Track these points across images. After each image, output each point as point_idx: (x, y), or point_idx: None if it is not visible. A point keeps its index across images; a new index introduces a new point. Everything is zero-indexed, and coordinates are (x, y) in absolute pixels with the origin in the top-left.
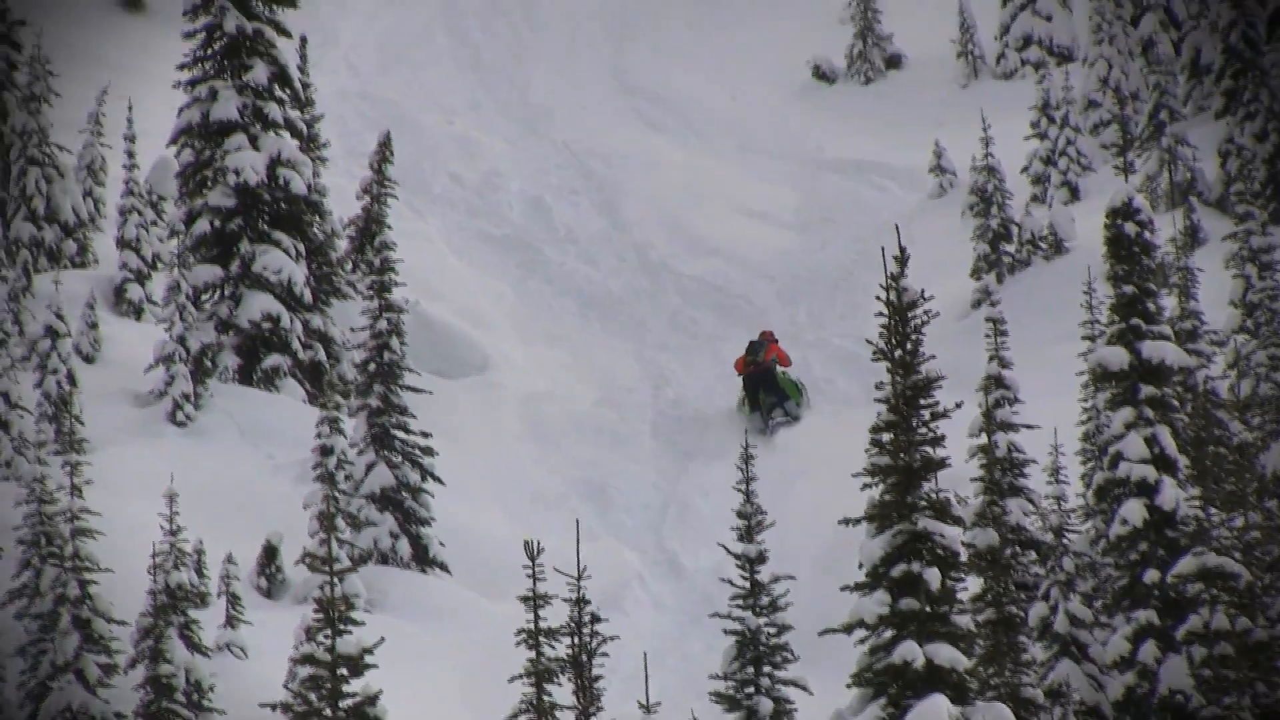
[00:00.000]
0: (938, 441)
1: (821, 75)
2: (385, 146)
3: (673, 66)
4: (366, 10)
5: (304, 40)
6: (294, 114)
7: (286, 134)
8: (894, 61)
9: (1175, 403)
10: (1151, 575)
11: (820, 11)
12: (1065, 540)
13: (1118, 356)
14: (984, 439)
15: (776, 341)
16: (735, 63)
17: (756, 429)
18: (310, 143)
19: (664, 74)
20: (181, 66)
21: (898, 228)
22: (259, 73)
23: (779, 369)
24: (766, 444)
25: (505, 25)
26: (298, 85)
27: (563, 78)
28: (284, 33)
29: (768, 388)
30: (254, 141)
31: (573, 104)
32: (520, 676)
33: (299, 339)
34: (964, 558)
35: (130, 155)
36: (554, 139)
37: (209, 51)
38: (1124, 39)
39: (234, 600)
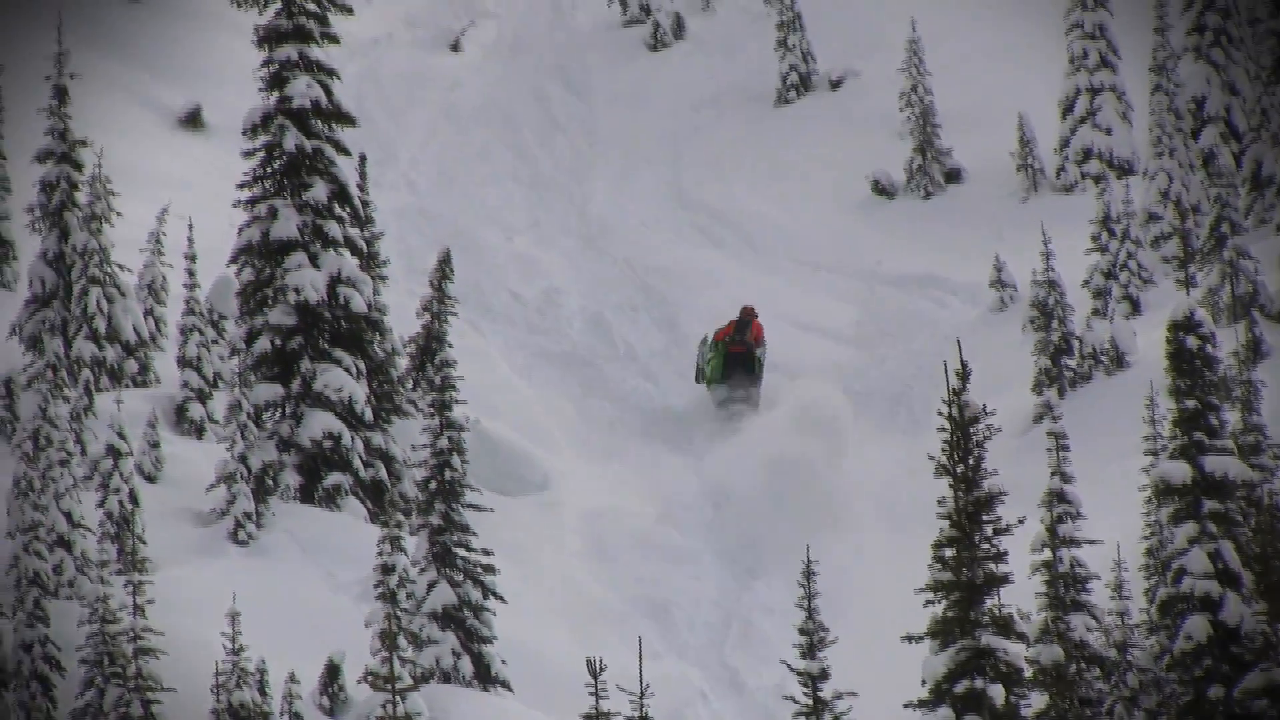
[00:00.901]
0: (1000, 557)
1: (881, 190)
2: (445, 264)
3: (731, 182)
4: (425, 128)
5: (363, 158)
6: (354, 232)
7: (347, 252)
8: (954, 175)
9: (1239, 517)
10: (1216, 691)
11: (879, 126)
12: (1129, 656)
13: (1180, 471)
14: (1046, 554)
15: (757, 318)
16: (794, 178)
17: (718, 404)
18: (370, 260)
19: (722, 189)
20: (241, 185)
21: (959, 342)
22: (319, 191)
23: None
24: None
25: (565, 142)
26: (357, 203)
27: (621, 194)
28: (343, 151)
29: (745, 368)
30: (314, 259)
31: (632, 220)
32: None
33: (360, 457)
34: (1028, 674)
35: (191, 274)
36: (613, 255)
37: (269, 170)
38: (1184, 152)
39: (297, 719)
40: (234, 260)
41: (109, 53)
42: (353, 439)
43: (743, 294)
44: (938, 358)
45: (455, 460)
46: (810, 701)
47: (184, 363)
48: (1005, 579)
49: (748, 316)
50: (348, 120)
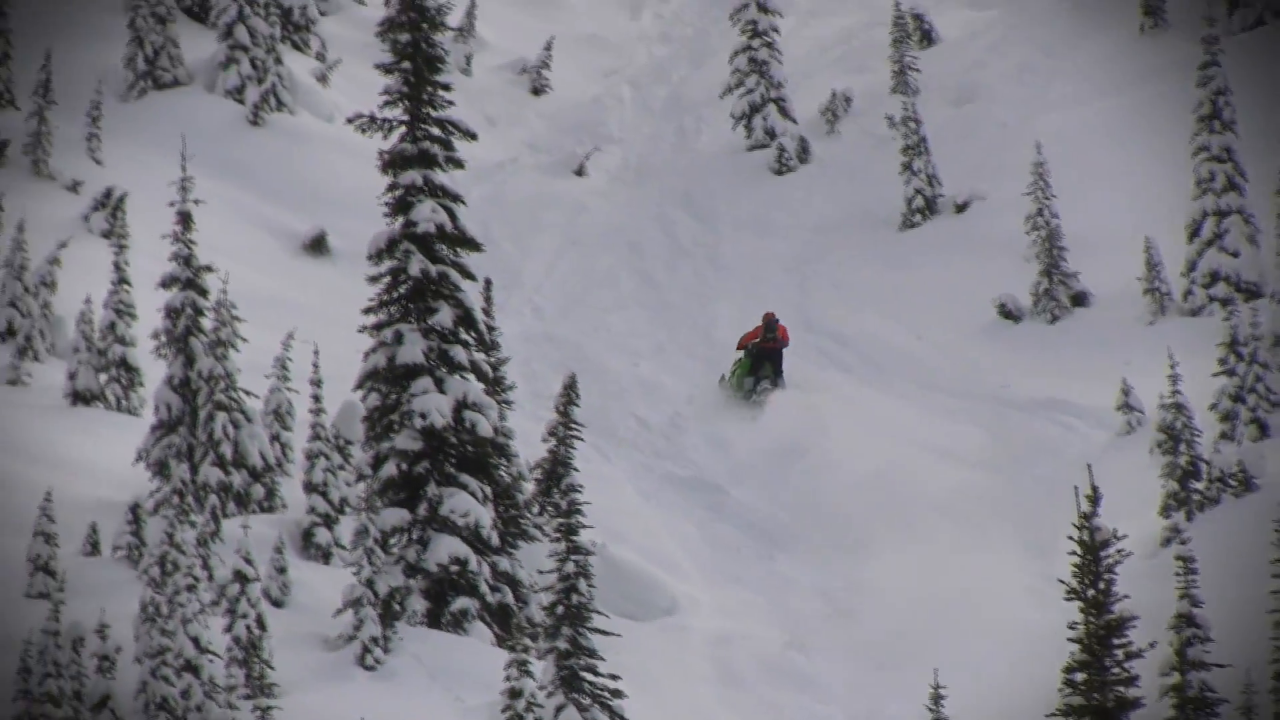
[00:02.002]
0: (1131, 681)
1: (1007, 313)
2: (571, 389)
3: (856, 306)
4: (550, 252)
5: (488, 283)
6: (479, 356)
7: (472, 377)
8: (1080, 299)
9: None
10: None
11: (1005, 249)
12: None
13: None
14: (1176, 678)
15: (780, 322)
16: (919, 301)
17: (743, 395)
18: (496, 385)
19: (847, 314)
20: (367, 310)
21: (1090, 467)
22: (444, 316)
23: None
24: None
25: (689, 267)
26: (483, 328)
27: (746, 318)
28: (468, 275)
29: (773, 364)
30: (440, 384)
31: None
32: None
33: (487, 582)
34: None
35: (316, 399)
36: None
37: (394, 295)
38: None
39: None
40: (360, 385)
41: (233, 178)
42: (479, 563)
43: (869, 419)
44: (1065, 482)
45: (582, 585)
46: None
47: (310, 488)
48: (1136, 703)
49: (772, 319)
50: (473, 245)
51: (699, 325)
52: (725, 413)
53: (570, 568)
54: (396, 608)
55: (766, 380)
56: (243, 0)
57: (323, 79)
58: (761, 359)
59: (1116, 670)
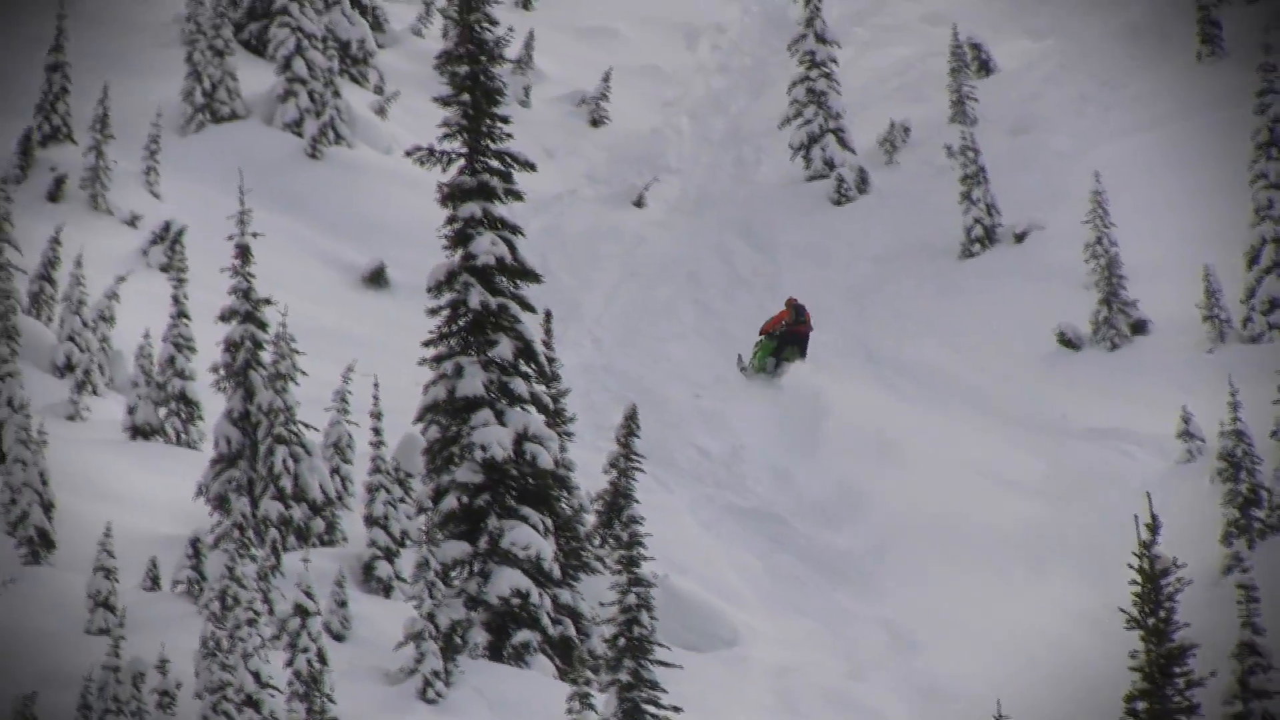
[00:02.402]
0: (1192, 710)
1: (1067, 342)
2: (631, 420)
3: (915, 335)
4: (610, 283)
5: (548, 314)
6: (540, 388)
7: (533, 408)
8: (1139, 327)
9: None
10: None
11: (1064, 278)
12: None
13: None
14: (1238, 707)
15: (808, 310)
16: (979, 331)
17: (767, 375)
18: (556, 417)
19: (907, 343)
20: (427, 342)
21: (1149, 495)
22: (504, 348)
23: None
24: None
25: (749, 297)
26: (543, 359)
27: (811, 345)
28: (528, 307)
29: (799, 348)
30: (500, 417)
31: (818, 374)
32: None
33: (548, 614)
34: None
35: (377, 432)
36: (799, 411)
37: (454, 327)
38: None
39: None
40: (420, 418)
41: (291, 211)
42: (541, 596)
43: (930, 449)
44: (1125, 510)
45: (644, 616)
46: None
47: (371, 521)
48: None
49: (797, 305)
50: (532, 277)
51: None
52: (787, 442)
53: (632, 599)
54: (458, 641)
55: (788, 362)
56: (301, 33)
57: (381, 111)
58: (787, 343)
59: (1178, 699)
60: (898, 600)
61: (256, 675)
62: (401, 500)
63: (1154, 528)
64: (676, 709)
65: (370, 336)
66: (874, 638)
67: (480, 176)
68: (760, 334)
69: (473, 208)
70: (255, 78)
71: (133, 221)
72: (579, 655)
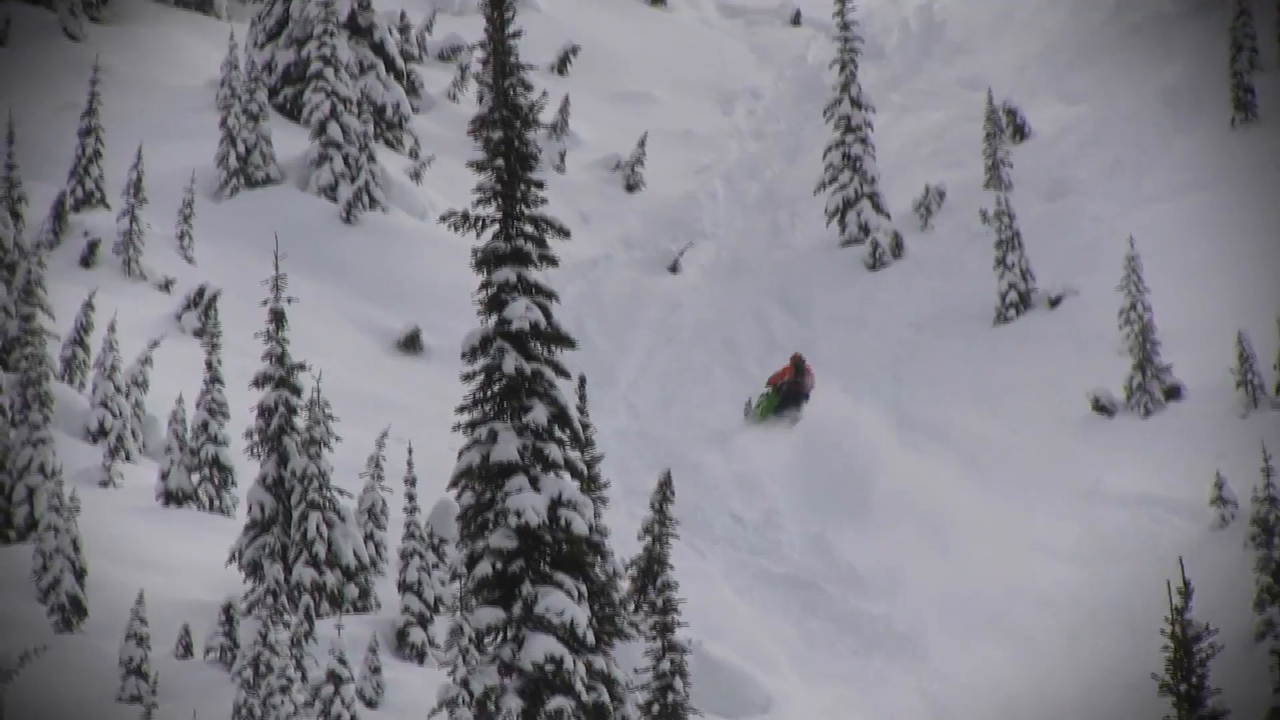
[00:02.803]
0: None
1: (1101, 407)
2: (666, 486)
3: (951, 401)
4: (645, 349)
5: (583, 380)
6: (574, 454)
7: (567, 475)
8: (1173, 392)
9: None
10: None
11: (1098, 343)
12: None
13: None
14: None
15: (808, 363)
16: (1013, 396)
17: (770, 424)
18: (591, 483)
19: (942, 408)
20: (461, 408)
21: (1181, 561)
22: (538, 414)
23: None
24: None
25: (784, 362)
26: (577, 425)
27: (841, 410)
28: (562, 373)
29: (797, 402)
30: (535, 483)
31: (853, 436)
32: None
33: (582, 680)
34: None
35: (411, 498)
36: (834, 475)
37: (488, 393)
38: None
39: None
40: (454, 484)
41: (325, 276)
42: (575, 662)
43: (965, 514)
44: (1158, 576)
45: (678, 683)
46: None
47: (404, 587)
48: None
49: (801, 361)
50: (567, 343)
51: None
52: (822, 508)
53: (666, 666)
54: (491, 708)
55: (788, 418)
56: (336, 98)
57: (416, 176)
58: (790, 398)
59: None
60: (932, 668)
61: None
62: (435, 566)
63: (1186, 593)
64: None
65: (404, 402)
66: (911, 705)
67: (514, 242)
68: (767, 384)
69: (507, 273)
70: (290, 142)
71: (166, 286)
72: None
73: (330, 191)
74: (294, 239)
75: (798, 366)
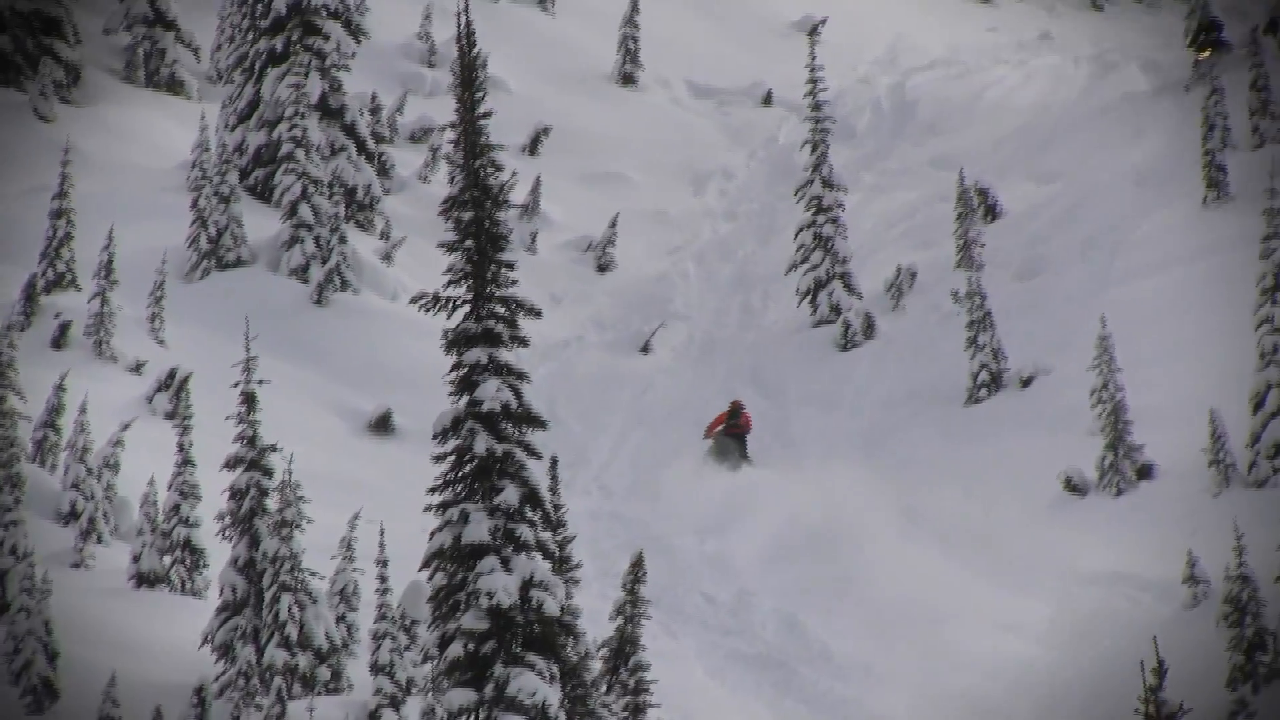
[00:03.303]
0: None
1: (1073, 487)
2: (638, 567)
3: (922, 480)
4: (617, 430)
5: (554, 461)
6: (546, 535)
7: (539, 556)
8: (1145, 472)
9: None
10: None
11: (1070, 423)
12: None
13: None
14: None
15: (745, 409)
16: (985, 476)
17: (726, 466)
18: (562, 564)
19: (914, 488)
20: (432, 489)
21: (1155, 640)
22: (510, 495)
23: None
24: None
25: (755, 443)
26: (549, 506)
27: (814, 490)
28: (534, 454)
29: (739, 447)
30: (506, 564)
31: (826, 516)
32: None
33: None
34: None
35: (383, 579)
36: (807, 555)
37: (459, 474)
38: None
39: None
40: (426, 565)
41: (297, 358)
42: None
43: (939, 596)
44: (1132, 655)
45: None
46: None
47: (377, 669)
48: None
49: (738, 407)
50: (538, 424)
51: (770, 498)
52: (796, 588)
53: None
54: None
55: (731, 461)
56: (307, 179)
57: (387, 257)
58: (727, 441)
59: None
60: None
61: None
62: (407, 648)
63: (1160, 673)
64: None
65: (376, 483)
66: None
67: (486, 323)
68: (705, 435)
69: (478, 354)
70: (261, 224)
71: (138, 368)
72: None
73: (301, 273)
74: (265, 321)
75: (734, 411)
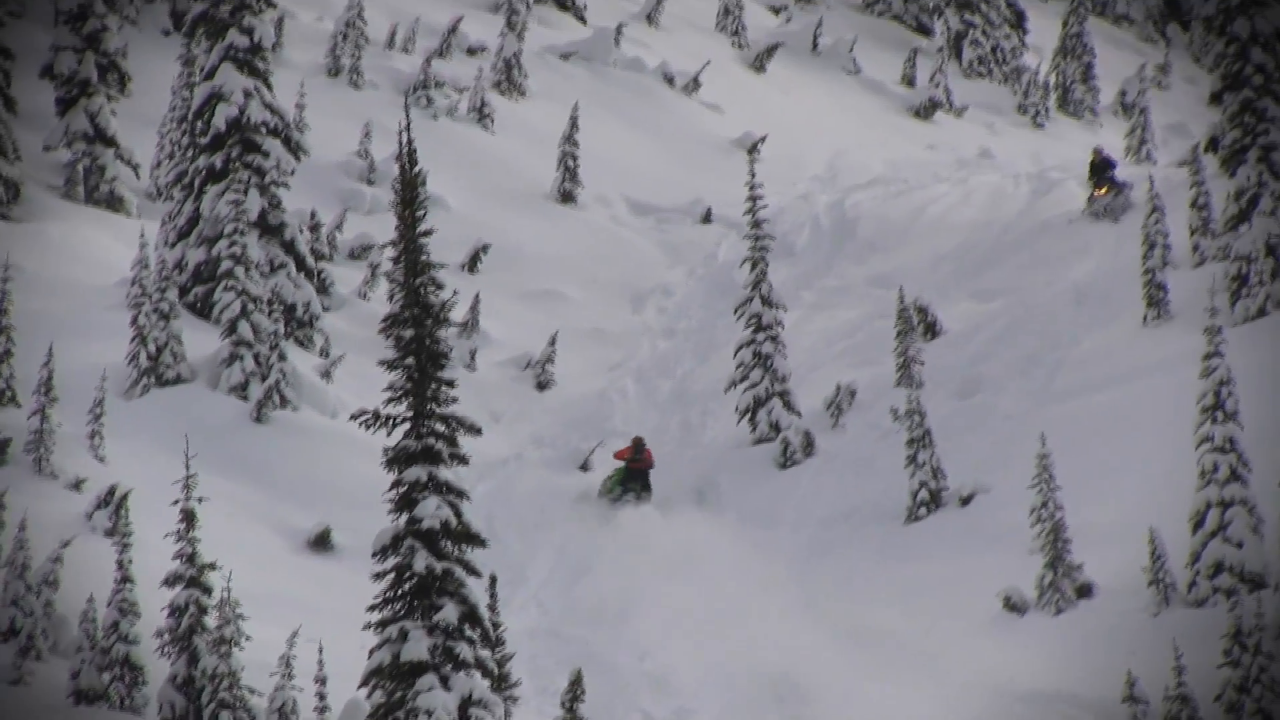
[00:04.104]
0: None
1: (1012, 606)
2: (576, 685)
3: (863, 599)
4: (556, 548)
5: (493, 579)
6: (485, 653)
7: (478, 674)
8: (1084, 591)
9: None
10: None
11: (1010, 542)
12: None
13: None
14: None
15: (648, 446)
16: (924, 595)
17: (611, 502)
18: (501, 682)
19: (854, 606)
20: (371, 607)
21: None
22: (449, 613)
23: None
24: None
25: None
26: (488, 624)
27: (753, 607)
28: (473, 572)
29: (641, 482)
30: (445, 682)
31: (764, 633)
32: None
33: None
34: None
35: (321, 697)
36: (749, 674)
37: (398, 592)
38: None
39: None
40: (365, 683)
41: (236, 475)
42: None
43: (876, 713)
44: None
45: None
46: None
47: None
48: None
49: (640, 443)
50: (477, 541)
51: (706, 627)
52: (735, 705)
53: None
54: None
55: (633, 493)
56: (246, 296)
57: (327, 375)
58: (631, 476)
59: None
60: None
61: None
62: None
63: None
64: None
65: (315, 600)
66: None
67: (426, 440)
68: (615, 457)
69: (418, 472)
70: (201, 341)
71: (77, 485)
72: None
73: (241, 390)
74: (205, 438)
75: (637, 446)
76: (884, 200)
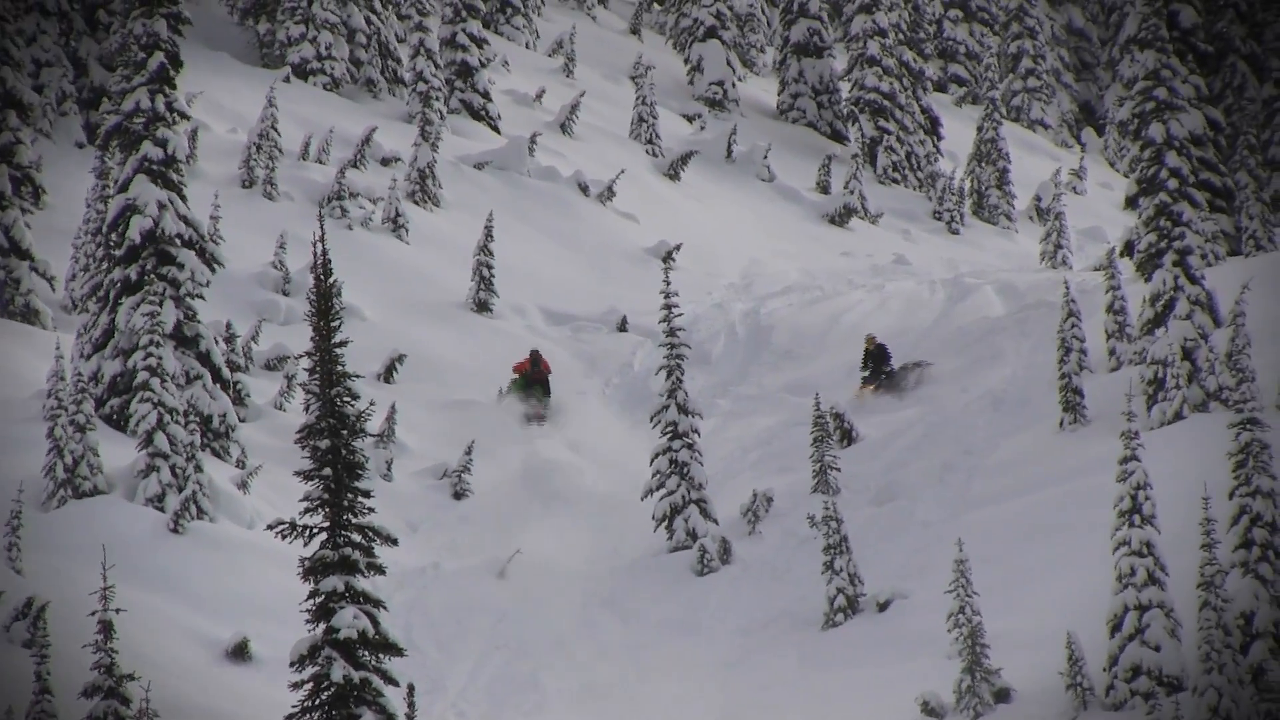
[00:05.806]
0: None
1: (930, 711)
2: None
3: (780, 708)
4: (474, 657)
5: (411, 688)
6: None
7: None
8: (1003, 695)
9: None
10: None
11: (927, 647)
12: None
13: None
14: None
15: (544, 359)
16: (841, 701)
17: (524, 412)
18: None
19: (773, 716)
20: (289, 717)
21: None
22: None
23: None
24: None
25: (613, 670)
26: None
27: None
28: (391, 681)
29: (543, 388)
30: None
31: None
32: None
33: None
34: None
35: None
36: None
37: (316, 701)
38: (1234, 667)
39: None
40: None
41: (153, 586)
42: None
43: None
44: None
45: None
46: None
47: None
48: None
49: (537, 355)
50: (395, 650)
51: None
52: None
53: None
54: None
55: (533, 406)
56: (163, 408)
57: (243, 485)
58: (531, 384)
59: None
60: None
61: None
62: None
63: None
64: None
65: (233, 711)
66: None
67: (343, 550)
68: (514, 370)
69: (335, 582)
70: (117, 452)
71: None
72: None
73: (158, 502)
74: (122, 549)
75: (534, 359)
76: (799, 308)
